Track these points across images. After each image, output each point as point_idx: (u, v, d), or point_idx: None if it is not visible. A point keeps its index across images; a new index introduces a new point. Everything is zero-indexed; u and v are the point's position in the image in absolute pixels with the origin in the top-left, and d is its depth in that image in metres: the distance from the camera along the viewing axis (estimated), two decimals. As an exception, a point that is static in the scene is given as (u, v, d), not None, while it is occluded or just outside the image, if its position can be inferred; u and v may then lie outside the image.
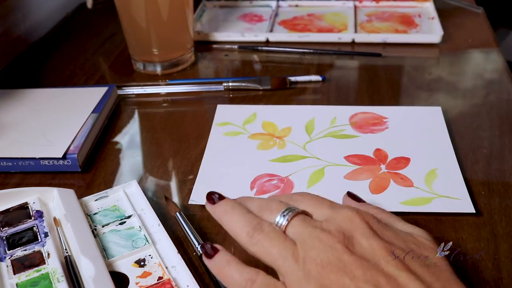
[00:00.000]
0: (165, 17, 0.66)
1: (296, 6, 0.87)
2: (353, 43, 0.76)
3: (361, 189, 0.48)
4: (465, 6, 0.85)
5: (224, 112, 0.61)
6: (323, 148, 0.54)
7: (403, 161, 0.51)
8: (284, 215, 0.36)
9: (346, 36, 0.76)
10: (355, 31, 0.77)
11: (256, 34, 0.77)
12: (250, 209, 0.38)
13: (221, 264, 0.36)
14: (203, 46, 0.76)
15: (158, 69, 0.70)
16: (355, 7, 0.85)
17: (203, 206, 0.47)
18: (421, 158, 0.52)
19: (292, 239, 0.35)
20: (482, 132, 0.56)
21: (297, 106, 0.61)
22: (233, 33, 0.78)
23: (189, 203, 0.48)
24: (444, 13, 0.82)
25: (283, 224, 0.36)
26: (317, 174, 0.51)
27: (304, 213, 0.37)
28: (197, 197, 0.48)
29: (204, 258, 0.37)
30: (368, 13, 0.84)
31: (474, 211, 0.45)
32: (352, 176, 0.50)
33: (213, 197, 0.40)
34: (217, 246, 0.37)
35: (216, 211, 0.39)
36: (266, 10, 0.86)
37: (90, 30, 0.81)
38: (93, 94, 0.61)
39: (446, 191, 0.47)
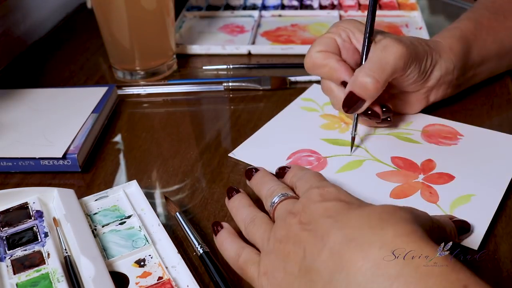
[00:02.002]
0: (146, 26, 0.65)
1: (279, 16, 0.84)
2: None
3: (384, 189, 0.47)
4: (465, 6, 0.85)
5: (313, 91, 0.63)
6: (379, 143, 0.53)
7: (446, 178, 0.48)
8: (278, 197, 0.42)
9: None
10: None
11: (237, 47, 0.74)
12: (262, 193, 0.44)
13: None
14: (181, 60, 0.73)
15: (139, 78, 0.68)
16: (340, 17, 0.82)
17: (203, 207, 0.48)
18: (467, 180, 0.47)
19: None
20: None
21: None
22: (213, 45, 0.75)
23: (228, 155, 0.53)
24: (444, 13, 0.82)
25: (274, 205, 0.41)
26: (354, 163, 0.51)
27: (294, 197, 0.41)
28: (239, 153, 0.53)
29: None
30: None
31: (476, 249, 0.41)
32: (385, 175, 0.49)
33: (231, 191, 0.45)
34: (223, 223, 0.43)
35: (229, 205, 0.45)
36: (248, 21, 0.83)
37: (90, 30, 0.81)
38: (93, 94, 0.61)
39: (467, 219, 0.43)
